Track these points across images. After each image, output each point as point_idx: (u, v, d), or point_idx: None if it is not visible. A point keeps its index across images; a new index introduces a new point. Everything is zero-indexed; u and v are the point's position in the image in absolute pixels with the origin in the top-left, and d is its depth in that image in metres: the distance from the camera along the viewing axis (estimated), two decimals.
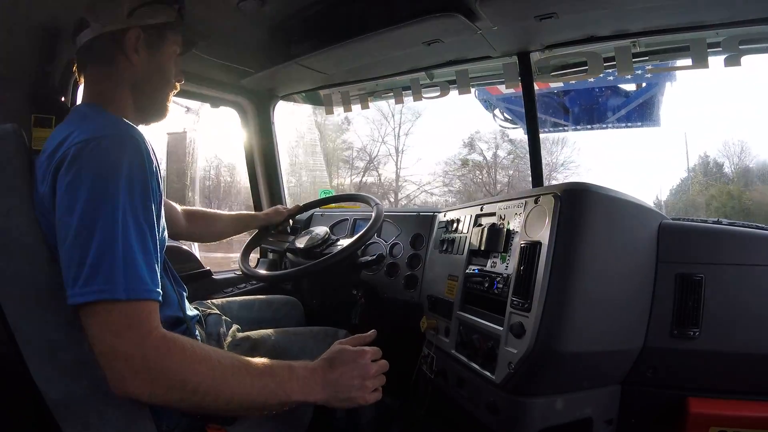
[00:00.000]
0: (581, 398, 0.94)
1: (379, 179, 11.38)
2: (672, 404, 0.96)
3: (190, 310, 1.02)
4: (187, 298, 1.02)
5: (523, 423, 0.91)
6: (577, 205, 0.90)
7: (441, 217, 1.43)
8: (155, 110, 0.94)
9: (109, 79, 0.86)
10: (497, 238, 1.05)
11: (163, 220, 0.84)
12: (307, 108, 2.22)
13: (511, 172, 10.69)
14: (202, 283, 1.74)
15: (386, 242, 1.58)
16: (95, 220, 0.65)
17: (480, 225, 1.15)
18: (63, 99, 1.34)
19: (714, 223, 1.07)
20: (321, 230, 1.52)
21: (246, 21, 1.47)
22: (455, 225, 1.29)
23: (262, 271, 1.67)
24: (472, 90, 1.84)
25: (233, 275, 1.87)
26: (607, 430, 0.98)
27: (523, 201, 1.02)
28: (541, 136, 1.65)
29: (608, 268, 0.91)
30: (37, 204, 0.74)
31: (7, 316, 0.70)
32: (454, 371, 1.11)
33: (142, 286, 0.66)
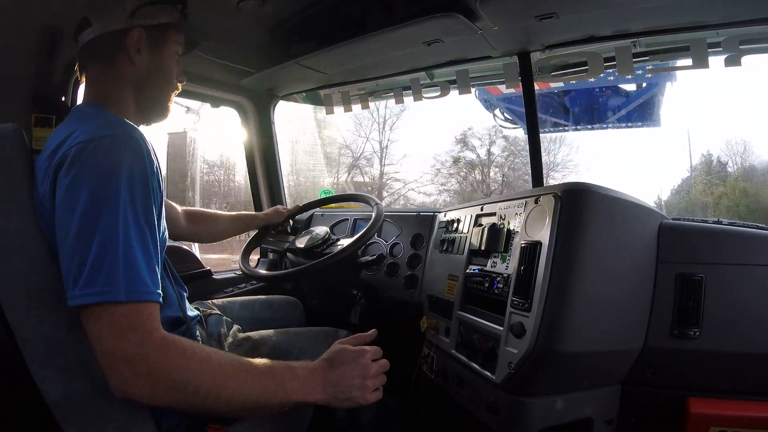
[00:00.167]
0: (581, 398, 0.94)
1: (362, 178, 11.06)
2: (672, 404, 0.96)
3: (191, 311, 1.02)
4: (187, 298, 1.02)
5: (523, 423, 0.91)
6: (578, 205, 0.90)
7: (441, 217, 1.43)
8: (157, 110, 0.94)
9: (110, 79, 0.86)
10: (497, 238, 1.05)
11: (163, 221, 0.84)
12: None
13: (506, 170, 10.53)
14: (203, 283, 1.74)
15: (386, 242, 1.58)
16: (96, 221, 0.65)
17: (480, 225, 1.15)
18: (63, 99, 1.34)
19: (714, 223, 1.07)
20: (321, 230, 1.52)
21: (246, 21, 1.47)
22: (455, 225, 1.29)
23: (263, 271, 1.67)
24: (473, 90, 1.84)
25: (233, 275, 1.87)
26: (607, 430, 0.98)
27: (523, 201, 1.02)
28: (540, 135, 1.65)
29: (608, 268, 0.91)
30: (38, 204, 0.73)
31: (8, 316, 0.70)
32: (454, 371, 1.11)
33: (143, 288, 0.66)
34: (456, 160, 10.74)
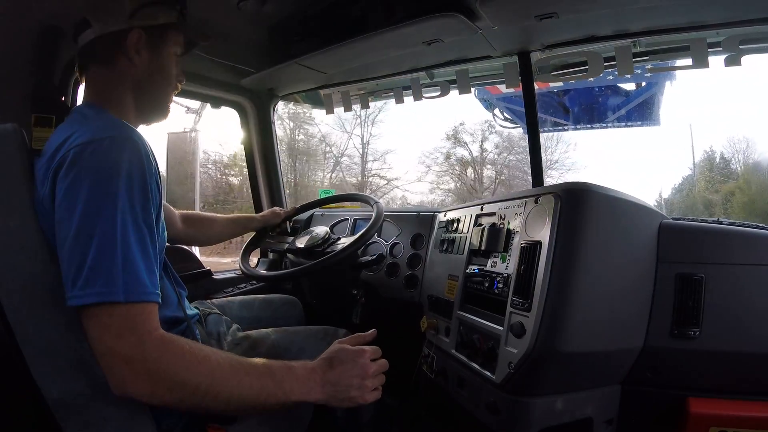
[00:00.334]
0: (581, 398, 0.94)
1: (341, 174, 10.70)
2: (672, 404, 0.96)
3: (190, 310, 1.03)
4: (187, 297, 1.02)
5: (524, 423, 0.91)
6: (578, 204, 0.90)
7: (441, 216, 1.43)
8: (156, 110, 0.94)
9: (110, 80, 0.86)
10: (497, 238, 1.05)
11: (162, 221, 0.84)
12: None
13: (498, 166, 10.31)
14: (202, 283, 1.74)
15: (386, 242, 1.58)
16: (95, 222, 0.65)
17: (480, 225, 1.15)
18: (63, 99, 1.34)
19: (714, 222, 1.07)
20: (321, 230, 1.52)
21: (246, 21, 1.47)
22: (455, 225, 1.29)
23: (262, 271, 1.67)
24: (472, 90, 1.84)
25: (233, 275, 1.86)
26: (607, 430, 0.98)
27: (523, 201, 1.02)
28: (540, 135, 1.65)
29: (608, 268, 0.91)
30: (38, 205, 0.74)
31: (8, 316, 0.70)
32: (454, 371, 1.11)
33: (141, 289, 0.66)
34: (447, 156, 10.47)
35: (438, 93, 1.85)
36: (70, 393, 0.71)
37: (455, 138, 10.40)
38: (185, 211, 1.46)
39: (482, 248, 1.09)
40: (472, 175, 10.47)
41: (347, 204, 1.91)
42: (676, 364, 0.97)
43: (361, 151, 10.85)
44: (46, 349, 0.71)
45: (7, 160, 0.75)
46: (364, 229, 1.33)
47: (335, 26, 1.45)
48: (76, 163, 0.68)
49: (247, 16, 1.42)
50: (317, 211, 1.88)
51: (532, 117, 1.60)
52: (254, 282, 1.78)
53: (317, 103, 2.24)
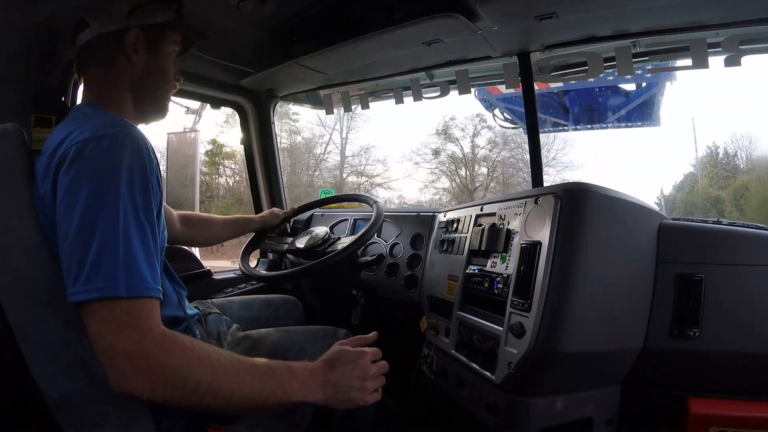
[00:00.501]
0: (581, 398, 0.94)
1: (320, 174, 10.40)
2: (672, 404, 0.96)
3: (190, 309, 1.03)
4: (187, 297, 1.02)
5: (523, 423, 0.91)
6: (578, 205, 0.90)
7: (441, 217, 1.43)
8: (155, 109, 0.94)
9: (108, 79, 0.86)
10: (497, 238, 1.05)
11: (163, 219, 0.84)
12: None
13: (490, 163, 10.07)
14: (203, 283, 1.74)
15: (386, 242, 1.58)
16: (96, 218, 0.65)
17: (480, 225, 1.15)
18: (63, 99, 1.34)
19: (714, 223, 1.07)
20: (321, 230, 1.52)
21: (246, 21, 1.47)
22: (455, 225, 1.29)
23: (262, 271, 1.67)
24: (472, 90, 1.84)
25: (233, 275, 1.86)
26: (607, 430, 0.98)
27: (523, 201, 1.02)
28: (540, 135, 1.65)
29: (608, 268, 0.91)
30: (38, 204, 0.74)
31: (8, 316, 0.70)
32: (454, 371, 1.11)
33: (143, 284, 0.66)
34: (436, 153, 10.17)
35: (438, 93, 1.85)
36: (70, 393, 0.71)
37: (445, 133, 10.13)
38: (184, 212, 1.46)
39: (482, 248, 1.09)
40: (464, 172, 10.25)
41: (347, 204, 1.91)
42: (676, 365, 0.97)
43: (340, 147, 10.48)
44: (45, 349, 0.71)
45: (7, 160, 0.75)
46: (364, 230, 1.33)
47: (335, 26, 1.45)
48: (77, 159, 0.68)
49: (247, 17, 1.42)
50: (317, 211, 1.88)
51: (532, 117, 1.60)
52: (254, 282, 1.78)
53: (317, 103, 2.24)
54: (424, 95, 1.87)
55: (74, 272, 0.65)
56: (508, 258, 1.01)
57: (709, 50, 1.36)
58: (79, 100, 1.09)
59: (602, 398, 0.97)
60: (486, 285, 1.04)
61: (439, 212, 1.47)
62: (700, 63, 1.37)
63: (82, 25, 0.86)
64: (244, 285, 1.81)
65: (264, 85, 1.97)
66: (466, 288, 1.13)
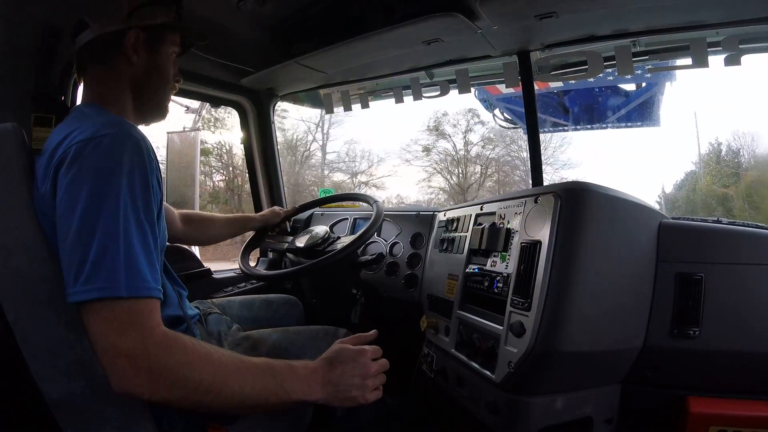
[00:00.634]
0: (581, 397, 0.94)
1: (296, 168, 9.93)
2: (672, 404, 0.96)
3: (191, 310, 1.03)
4: (187, 297, 1.02)
5: (523, 422, 0.91)
6: (577, 204, 0.90)
7: (441, 216, 1.43)
8: (155, 110, 0.94)
9: (108, 80, 0.86)
10: (497, 238, 1.05)
11: (163, 219, 0.84)
12: None
13: (484, 159, 9.82)
14: (203, 283, 1.74)
15: (386, 241, 1.58)
16: (96, 218, 0.65)
17: (480, 224, 1.15)
18: (63, 98, 1.34)
19: (714, 222, 1.07)
20: (321, 229, 1.52)
21: (246, 20, 1.47)
22: (455, 224, 1.29)
23: (262, 271, 1.67)
24: (472, 89, 1.85)
25: (233, 274, 1.87)
26: (607, 429, 0.98)
27: (522, 200, 1.02)
28: (539, 135, 1.66)
29: (608, 268, 0.91)
30: (38, 203, 0.73)
31: (8, 316, 0.70)
32: (454, 370, 1.11)
33: (144, 284, 0.66)
34: (426, 150, 9.85)
35: (438, 93, 1.85)
36: (70, 393, 0.71)
37: (437, 129, 9.81)
38: (185, 211, 1.46)
39: (482, 248, 1.09)
40: (456, 170, 10.00)
41: (347, 203, 1.91)
42: (676, 364, 0.97)
43: (319, 142, 9.97)
44: (45, 349, 0.71)
45: (6, 160, 0.75)
46: (364, 229, 1.33)
47: (335, 26, 1.45)
48: (77, 159, 0.68)
49: (247, 16, 1.42)
50: (317, 210, 1.88)
51: (531, 117, 1.60)
52: (254, 281, 1.78)
53: (317, 102, 2.24)
54: (423, 94, 1.87)
55: (74, 272, 0.65)
56: (508, 257, 1.01)
57: (708, 49, 1.36)
58: (79, 100, 1.09)
59: (602, 397, 0.98)
60: (486, 284, 1.04)
61: (439, 211, 1.47)
62: (700, 62, 1.38)
63: (82, 26, 0.85)
64: (244, 284, 1.81)
65: (264, 85, 1.97)
66: (466, 287, 1.13)
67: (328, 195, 1.81)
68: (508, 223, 1.05)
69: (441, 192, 9.96)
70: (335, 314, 1.50)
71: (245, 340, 1.07)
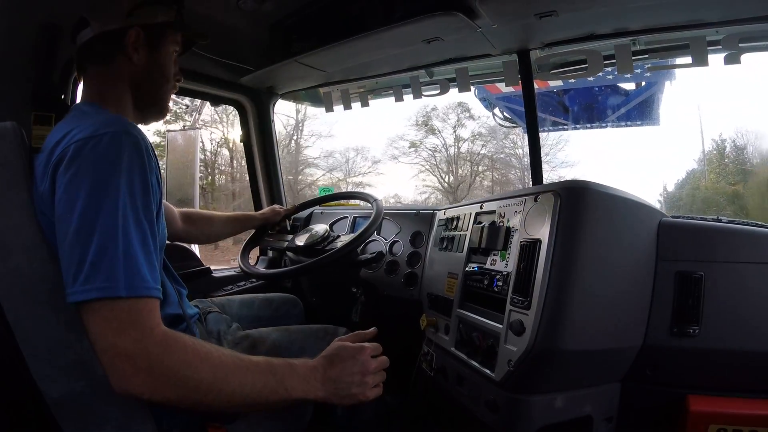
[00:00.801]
0: (581, 396, 0.94)
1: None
2: (672, 402, 0.96)
3: (190, 308, 1.03)
4: (186, 296, 1.02)
5: (523, 421, 0.91)
6: (577, 202, 0.90)
7: (441, 214, 1.43)
8: (155, 109, 0.94)
9: (108, 78, 0.86)
10: (497, 236, 1.05)
11: (162, 218, 0.84)
12: None
13: (476, 157, 9.40)
14: (202, 281, 1.74)
15: (386, 240, 1.58)
16: (95, 217, 0.65)
17: (480, 223, 1.15)
18: (63, 97, 1.34)
19: (714, 221, 1.07)
20: (321, 228, 1.52)
21: (246, 19, 1.47)
22: (455, 223, 1.29)
23: (262, 269, 1.67)
24: (472, 88, 1.85)
25: (233, 273, 1.87)
26: (606, 428, 0.98)
27: (522, 199, 1.02)
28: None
29: (608, 266, 0.91)
30: (37, 202, 0.73)
31: (8, 316, 0.70)
32: (453, 369, 1.11)
33: (143, 284, 0.66)
34: (413, 146, 9.47)
35: (437, 91, 1.85)
36: (70, 393, 0.71)
37: (426, 124, 9.40)
38: (185, 209, 1.46)
39: (482, 246, 1.09)
40: (446, 168, 9.64)
41: (347, 202, 1.91)
42: (676, 362, 0.97)
43: (296, 138, 9.40)
44: (45, 348, 0.71)
45: (6, 158, 0.75)
46: (364, 227, 1.33)
47: (335, 24, 1.45)
48: (76, 158, 0.67)
49: (247, 14, 1.42)
50: (317, 209, 1.88)
51: (531, 115, 1.60)
52: (254, 280, 1.78)
53: (317, 101, 2.24)
54: (423, 93, 1.87)
55: (74, 272, 0.64)
56: (507, 256, 1.01)
57: (708, 48, 1.36)
58: (79, 99, 1.09)
59: (602, 396, 0.98)
60: (486, 283, 1.04)
61: (439, 210, 1.47)
62: (700, 61, 1.38)
63: (83, 24, 0.85)
64: (243, 283, 1.81)
65: (264, 83, 1.97)
66: (466, 286, 1.13)
67: (328, 193, 1.81)
68: (508, 221, 1.05)
69: (435, 191, 9.74)
70: (335, 313, 1.50)
71: (245, 339, 1.07)
